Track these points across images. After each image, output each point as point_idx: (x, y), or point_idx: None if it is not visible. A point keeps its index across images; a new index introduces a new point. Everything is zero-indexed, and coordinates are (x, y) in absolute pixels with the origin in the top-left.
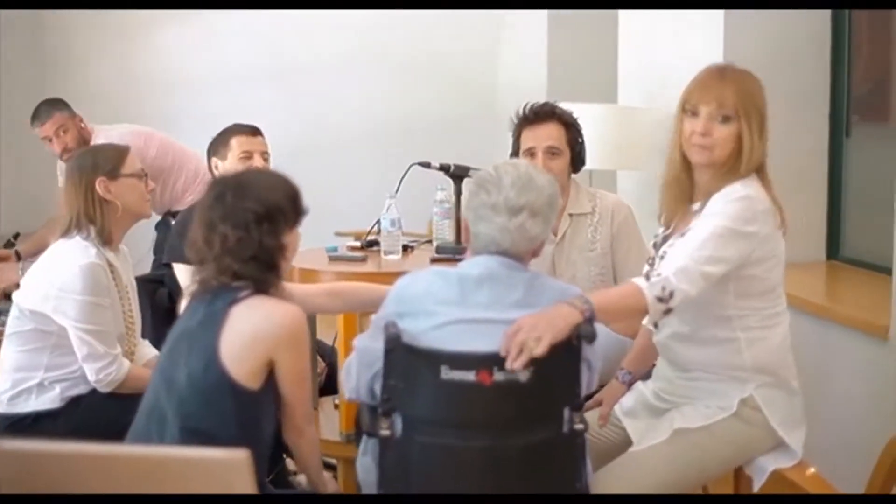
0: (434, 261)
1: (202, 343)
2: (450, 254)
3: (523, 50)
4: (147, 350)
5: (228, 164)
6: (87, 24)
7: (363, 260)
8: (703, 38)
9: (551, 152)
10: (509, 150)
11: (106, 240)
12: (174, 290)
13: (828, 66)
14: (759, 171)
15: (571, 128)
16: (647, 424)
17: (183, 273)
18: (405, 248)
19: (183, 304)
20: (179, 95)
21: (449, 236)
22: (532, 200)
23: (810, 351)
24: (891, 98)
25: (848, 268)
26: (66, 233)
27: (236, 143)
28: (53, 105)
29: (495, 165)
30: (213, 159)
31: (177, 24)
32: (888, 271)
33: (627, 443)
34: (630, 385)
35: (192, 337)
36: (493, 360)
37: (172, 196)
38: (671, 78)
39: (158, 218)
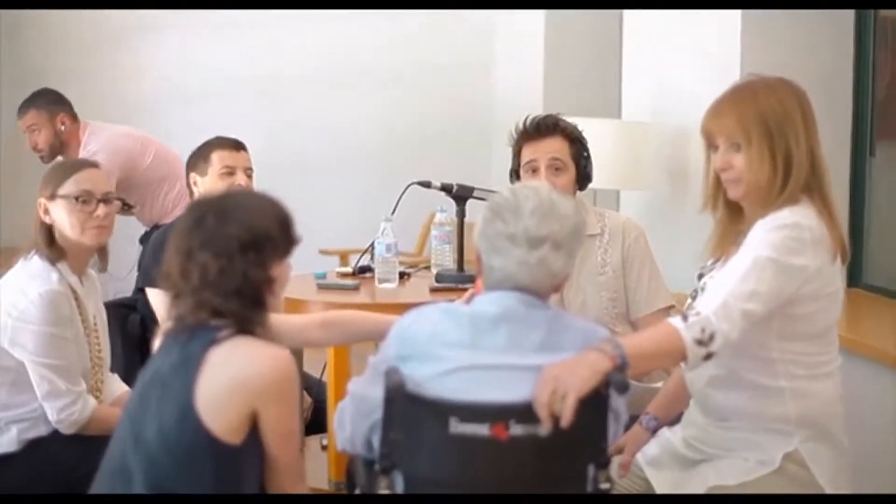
0: (434, 290)
1: (176, 390)
2: (451, 282)
3: (519, 60)
4: (116, 386)
5: (208, 180)
6: (64, 33)
7: (356, 288)
8: (717, 45)
9: (555, 167)
10: (505, 167)
11: (70, 265)
12: (147, 317)
13: (850, 78)
14: (814, 193)
15: (577, 142)
16: (675, 477)
17: (157, 299)
18: (401, 275)
19: (156, 343)
20: (158, 107)
21: (449, 263)
22: (555, 231)
23: None
24: None
25: (871, 296)
26: (26, 254)
27: (217, 158)
28: (34, 100)
29: (513, 189)
30: (192, 175)
31: (157, 33)
32: None
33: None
34: (655, 432)
35: (165, 383)
36: (510, 413)
37: (162, 208)
38: (681, 90)
39: (144, 230)
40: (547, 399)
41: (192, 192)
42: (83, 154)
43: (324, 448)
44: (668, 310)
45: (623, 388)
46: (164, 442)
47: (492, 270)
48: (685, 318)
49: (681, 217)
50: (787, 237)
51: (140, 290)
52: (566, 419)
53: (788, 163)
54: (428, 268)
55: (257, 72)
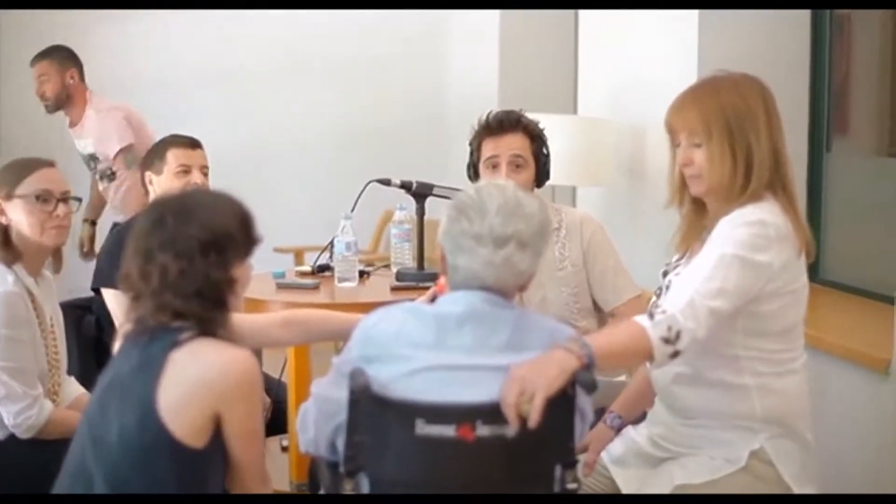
0: (395, 289)
1: (136, 393)
2: (412, 281)
3: (473, 53)
4: (72, 388)
5: (164, 179)
6: (21, 25)
7: (315, 288)
8: (675, 41)
9: (516, 164)
10: (461, 162)
11: (26, 266)
12: (102, 318)
13: (807, 73)
14: (778, 190)
15: (538, 139)
16: (641, 475)
17: (113, 300)
18: (361, 274)
19: (116, 345)
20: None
21: (409, 261)
22: (521, 230)
23: None
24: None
25: (828, 291)
26: None
27: (172, 157)
28: (49, 52)
29: (477, 187)
30: (147, 173)
31: (107, 25)
32: (870, 295)
33: (616, 492)
34: (619, 430)
35: (125, 386)
36: (477, 413)
37: (137, 198)
38: (639, 86)
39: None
40: (514, 399)
41: (147, 191)
42: (95, 114)
43: (284, 449)
44: (637, 298)
45: (591, 388)
46: (124, 445)
47: (456, 270)
48: (651, 316)
49: (639, 213)
50: (752, 234)
51: (95, 291)
52: (534, 420)
53: (749, 160)
54: (387, 266)
55: (212, 64)
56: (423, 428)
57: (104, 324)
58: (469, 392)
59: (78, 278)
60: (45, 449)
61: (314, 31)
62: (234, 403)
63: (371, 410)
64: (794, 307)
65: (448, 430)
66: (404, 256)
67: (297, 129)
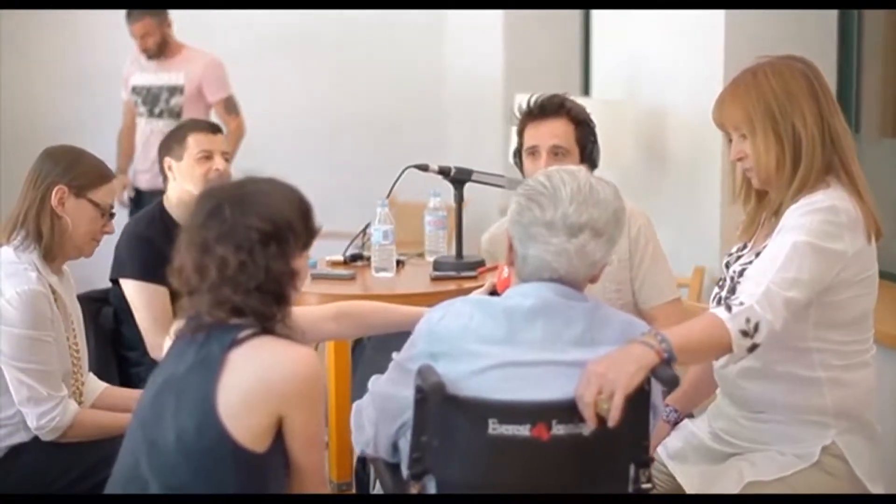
0: (434, 280)
1: (194, 395)
2: (451, 270)
3: (476, 30)
4: (94, 385)
5: (184, 165)
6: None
7: (352, 278)
8: (697, 20)
9: (555, 152)
10: (461, 146)
11: (49, 260)
12: (120, 310)
13: (836, 50)
14: (840, 171)
15: (583, 125)
16: (703, 471)
17: (132, 290)
18: (397, 263)
19: (166, 345)
20: (97, 89)
21: (444, 250)
22: (595, 217)
23: None
24: None
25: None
26: (8, 238)
27: (194, 142)
28: (147, 11)
29: (547, 173)
30: (167, 159)
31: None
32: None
33: (676, 489)
34: (675, 424)
35: (181, 388)
36: (552, 412)
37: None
38: (656, 67)
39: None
40: (593, 399)
41: (165, 178)
42: (199, 56)
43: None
44: (677, 301)
45: (673, 384)
46: (183, 451)
47: (526, 260)
48: (729, 308)
49: (658, 196)
50: (823, 221)
51: (113, 282)
52: (613, 419)
53: (797, 144)
54: (421, 255)
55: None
56: (496, 428)
57: (122, 316)
58: (542, 390)
59: (85, 269)
60: (73, 451)
61: (303, 13)
62: (298, 406)
63: (440, 410)
64: (866, 296)
65: (522, 430)
66: (439, 245)
67: (291, 116)
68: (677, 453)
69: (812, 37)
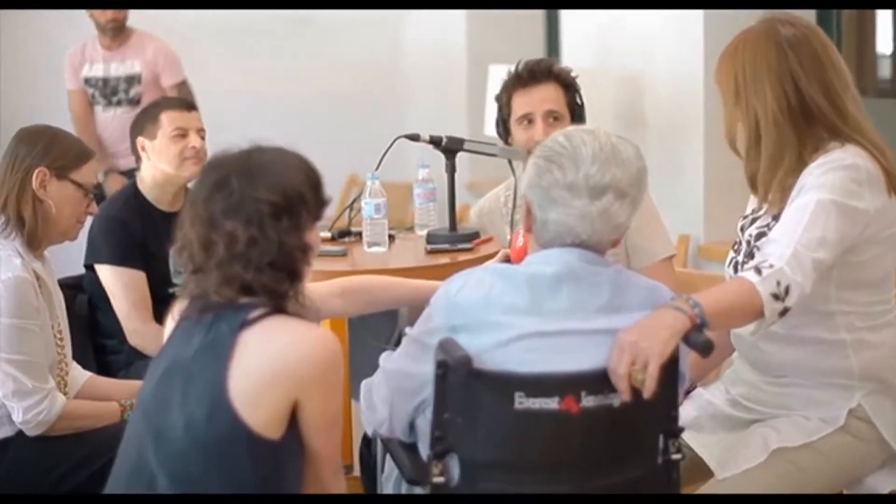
0: (430, 253)
1: (203, 381)
2: (446, 243)
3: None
4: (77, 373)
5: (158, 143)
6: None
7: (344, 254)
8: None
9: (552, 117)
10: (420, 117)
11: (33, 247)
12: (95, 296)
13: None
14: (850, 135)
15: (570, 88)
16: (723, 440)
17: (109, 276)
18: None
19: (168, 327)
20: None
21: (435, 222)
22: (618, 178)
23: None
24: None
25: None
26: None
27: (167, 120)
28: None
29: (567, 133)
30: (140, 139)
31: None
32: None
33: (692, 460)
34: (688, 393)
35: (189, 373)
36: (581, 383)
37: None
38: (629, 33)
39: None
40: (626, 370)
41: (139, 158)
42: (151, 41)
43: None
44: (670, 259)
45: (707, 349)
46: (192, 439)
47: (546, 225)
48: (759, 271)
49: None
50: (845, 178)
51: (89, 268)
52: (649, 390)
53: (756, 122)
54: (411, 229)
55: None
56: (523, 402)
57: (98, 302)
58: (570, 360)
59: (55, 255)
60: (56, 445)
61: None
62: (315, 390)
63: (462, 385)
64: (889, 254)
65: (551, 403)
66: (429, 217)
67: (252, 93)
68: (693, 423)
69: None
